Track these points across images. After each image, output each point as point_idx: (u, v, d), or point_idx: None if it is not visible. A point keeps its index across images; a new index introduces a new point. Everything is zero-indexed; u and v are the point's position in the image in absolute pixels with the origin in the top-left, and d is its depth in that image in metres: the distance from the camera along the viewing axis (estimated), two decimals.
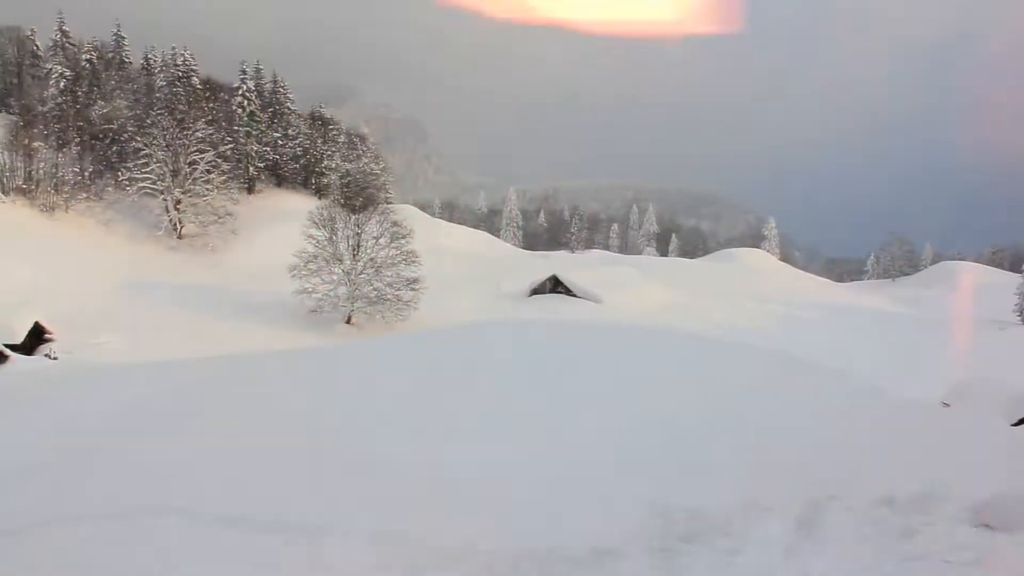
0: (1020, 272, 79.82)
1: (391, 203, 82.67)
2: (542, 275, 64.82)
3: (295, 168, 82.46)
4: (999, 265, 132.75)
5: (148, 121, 65.64)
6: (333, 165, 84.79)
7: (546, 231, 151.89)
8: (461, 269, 68.79)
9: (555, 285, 63.34)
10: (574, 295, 62.26)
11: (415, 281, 50.82)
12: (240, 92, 79.03)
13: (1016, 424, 30.46)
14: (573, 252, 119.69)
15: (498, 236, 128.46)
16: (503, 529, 5.90)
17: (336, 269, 49.24)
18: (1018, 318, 73.05)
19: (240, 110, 77.83)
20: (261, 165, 78.21)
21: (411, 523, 6.06)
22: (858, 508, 6.63)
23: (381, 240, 50.76)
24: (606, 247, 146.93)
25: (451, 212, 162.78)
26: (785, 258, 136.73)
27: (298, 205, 70.34)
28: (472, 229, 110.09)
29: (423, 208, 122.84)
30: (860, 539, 6.08)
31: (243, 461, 7.83)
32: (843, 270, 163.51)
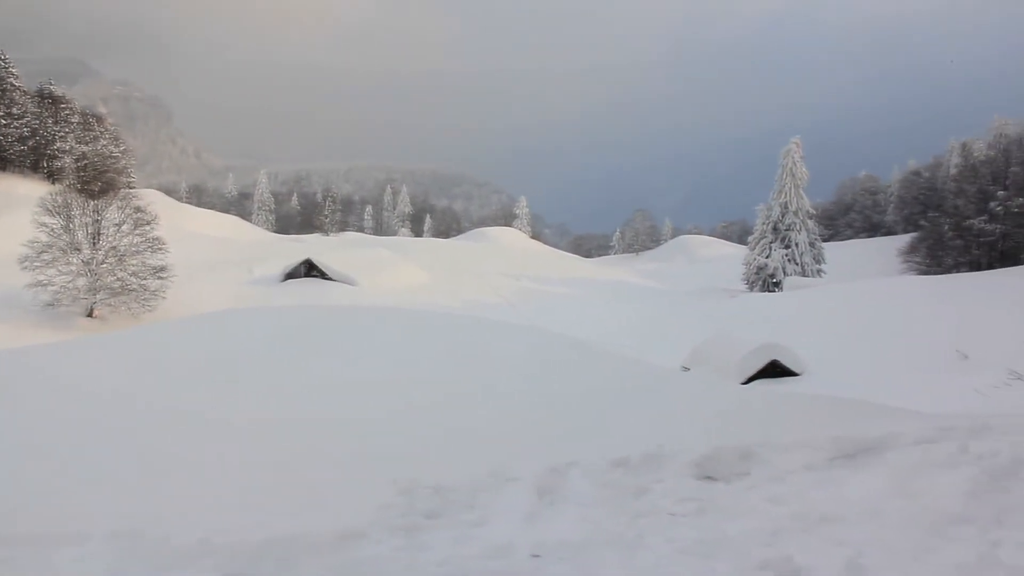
0: (746, 244, 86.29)
1: (133, 188, 78.44)
2: (296, 259, 63.80)
3: (22, 150, 76.14)
4: (728, 238, 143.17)
5: None
6: (67, 147, 79.16)
7: (299, 214, 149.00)
8: (211, 255, 66.39)
9: (309, 269, 62.55)
10: (329, 278, 61.73)
11: (162, 269, 48.64)
12: None
13: (745, 382, 33.20)
14: (327, 235, 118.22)
15: (249, 220, 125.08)
16: (246, 520, 5.88)
17: (74, 259, 46.23)
18: (745, 286, 79.07)
19: None
20: None
21: (149, 522, 5.93)
22: (595, 471, 7.11)
23: (123, 227, 48.17)
24: (360, 229, 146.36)
25: (199, 196, 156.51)
26: (536, 236, 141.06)
27: (28, 191, 65.48)
28: (222, 213, 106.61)
29: (169, 192, 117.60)
30: (597, 501, 6.52)
31: None
32: (591, 246, 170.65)
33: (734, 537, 5.56)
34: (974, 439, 7.58)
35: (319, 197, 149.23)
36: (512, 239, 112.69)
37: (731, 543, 5.45)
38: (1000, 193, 74.08)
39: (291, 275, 61.83)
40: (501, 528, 5.92)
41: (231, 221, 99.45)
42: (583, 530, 5.82)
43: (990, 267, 71.65)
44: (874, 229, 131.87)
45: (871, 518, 5.91)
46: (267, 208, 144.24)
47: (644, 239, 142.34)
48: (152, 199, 63.83)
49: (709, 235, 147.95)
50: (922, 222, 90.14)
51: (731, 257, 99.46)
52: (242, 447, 7.81)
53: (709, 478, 7.17)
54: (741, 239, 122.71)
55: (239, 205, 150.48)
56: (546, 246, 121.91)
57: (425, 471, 7.00)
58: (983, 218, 75.29)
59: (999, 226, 74.01)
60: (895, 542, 5.34)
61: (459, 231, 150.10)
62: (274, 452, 7.65)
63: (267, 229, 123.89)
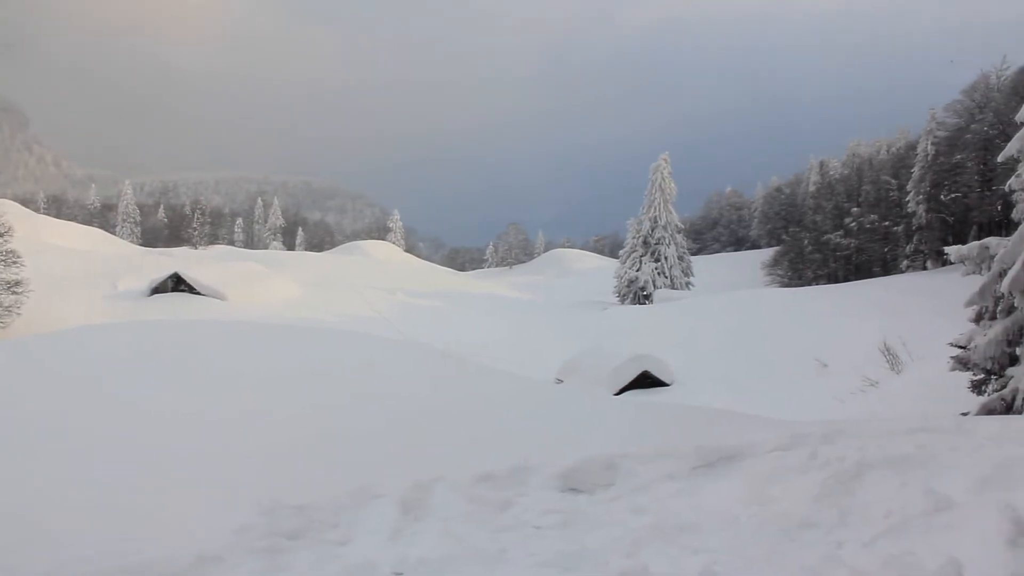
0: (618, 258, 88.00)
1: None
2: (163, 273, 62.04)
3: None
4: (600, 252, 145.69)
5: None
6: None
7: (167, 227, 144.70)
8: (72, 269, 63.87)
9: (178, 283, 60.90)
10: (198, 293, 60.21)
11: (17, 284, 46.61)
12: None
13: (618, 393, 33.81)
14: (196, 248, 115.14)
15: (114, 233, 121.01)
16: (97, 547, 5.60)
17: None
18: (617, 299, 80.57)
19: None
20: None
21: None
22: (461, 486, 7.10)
23: None
24: (231, 242, 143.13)
25: (59, 207, 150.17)
26: (410, 249, 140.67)
27: None
28: (84, 226, 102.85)
29: (25, 203, 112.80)
30: (462, 516, 6.50)
31: None
32: (465, 259, 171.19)
33: (594, 548, 5.65)
34: (825, 445, 7.90)
35: (187, 209, 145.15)
36: (386, 252, 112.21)
37: (591, 554, 5.53)
38: (854, 210, 77.74)
39: (158, 290, 60.08)
40: (365, 546, 5.86)
41: (94, 234, 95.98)
42: (446, 546, 5.81)
43: (846, 279, 75.06)
44: (740, 243, 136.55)
45: (727, 525, 6.10)
46: (132, 220, 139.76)
47: (517, 252, 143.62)
48: (6, 210, 61.20)
49: (582, 249, 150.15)
50: (784, 236, 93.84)
51: (603, 270, 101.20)
52: (94, 465, 7.50)
53: (574, 490, 7.25)
54: (613, 253, 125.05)
55: (102, 217, 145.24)
56: (420, 259, 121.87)
57: (289, 489, 6.86)
58: (839, 233, 78.85)
59: (853, 241, 77.60)
60: (748, 548, 5.52)
61: (332, 244, 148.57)
62: (129, 471, 7.36)
63: (133, 242, 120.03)
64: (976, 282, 17.45)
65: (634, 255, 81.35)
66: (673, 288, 79.67)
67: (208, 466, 7.59)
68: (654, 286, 79.11)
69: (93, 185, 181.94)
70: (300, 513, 6.34)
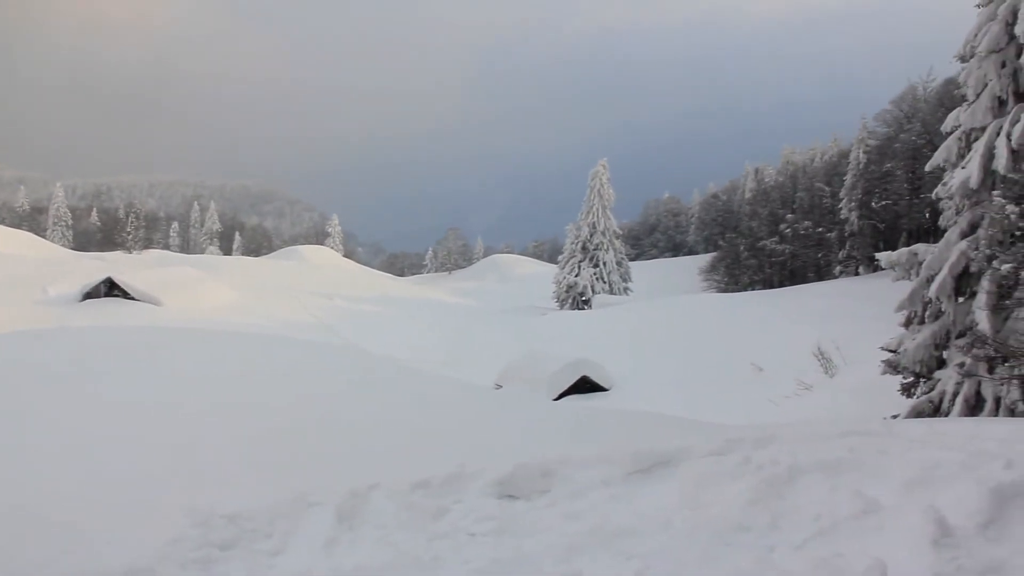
0: (557, 263, 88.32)
1: None
2: (96, 278, 60.71)
3: None
4: (539, 257, 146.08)
5: None
6: None
7: (100, 230, 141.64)
8: None
9: (111, 288, 59.61)
10: (132, 298, 59.06)
11: None
12: None
13: (557, 398, 33.95)
14: (130, 252, 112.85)
15: (44, 236, 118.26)
16: (24, 558, 5.52)
17: None
18: (556, 304, 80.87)
19: None
20: None
21: None
22: (398, 494, 7.05)
23: None
24: (166, 247, 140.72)
25: None
26: (349, 254, 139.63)
27: None
28: (11, 228, 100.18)
29: None
30: (397, 524, 6.46)
31: None
32: (404, 264, 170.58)
33: (529, 555, 5.66)
34: (758, 449, 8.00)
35: (121, 212, 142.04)
36: (324, 257, 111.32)
37: (526, 561, 5.54)
38: (789, 216, 79.05)
39: (90, 295, 58.75)
40: (299, 556, 5.80)
41: (23, 237, 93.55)
42: (382, 554, 5.78)
43: (781, 284, 76.23)
44: (677, 249, 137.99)
45: (662, 530, 6.15)
46: (64, 223, 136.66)
47: (457, 258, 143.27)
48: None
49: (521, 254, 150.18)
50: (721, 242, 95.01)
51: (542, 276, 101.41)
52: (19, 475, 7.32)
53: (510, 496, 7.24)
54: (552, 258, 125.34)
55: (32, 220, 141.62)
56: (359, 265, 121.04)
57: (223, 498, 6.76)
58: (774, 239, 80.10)
59: (788, 247, 78.90)
60: (682, 553, 5.57)
61: (270, 249, 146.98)
62: (60, 481, 7.20)
63: (64, 246, 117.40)
64: (906, 287, 17.80)
65: (573, 260, 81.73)
66: (612, 293, 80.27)
67: (141, 474, 7.45)
68: (593, 291, 79.58)
69: (22, 187, 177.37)
70: (234, 522, 6.25)
